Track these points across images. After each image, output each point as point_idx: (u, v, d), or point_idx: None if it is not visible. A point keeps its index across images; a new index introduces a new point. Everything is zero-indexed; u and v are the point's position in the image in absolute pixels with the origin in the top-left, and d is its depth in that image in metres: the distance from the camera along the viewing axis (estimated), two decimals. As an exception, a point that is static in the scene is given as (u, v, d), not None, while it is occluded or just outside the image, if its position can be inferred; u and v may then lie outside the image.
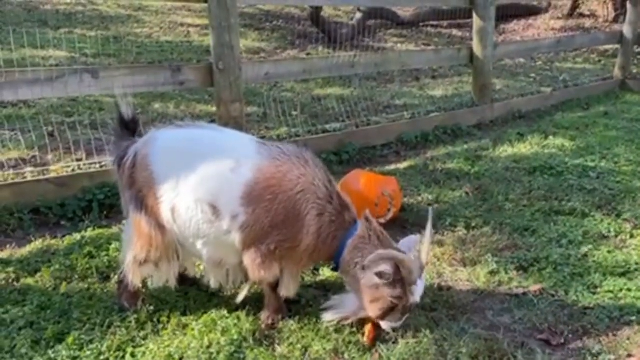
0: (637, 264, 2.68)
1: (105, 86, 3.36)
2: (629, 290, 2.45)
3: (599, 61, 8.78)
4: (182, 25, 9.19)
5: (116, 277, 2.40)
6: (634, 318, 2.25)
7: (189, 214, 2.05)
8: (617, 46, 7.22)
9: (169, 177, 2.07)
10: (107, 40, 7.38)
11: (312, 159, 2.13)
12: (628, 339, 2.14)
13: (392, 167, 4.17)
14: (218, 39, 3.58)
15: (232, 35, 3.59)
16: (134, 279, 2.19)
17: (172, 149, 2.13)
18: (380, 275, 1.97)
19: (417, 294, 2.04)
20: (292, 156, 2.10)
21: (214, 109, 4.08)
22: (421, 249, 2.09)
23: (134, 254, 2.16)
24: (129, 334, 2.12)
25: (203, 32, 8.57)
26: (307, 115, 5.04)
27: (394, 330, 2.11)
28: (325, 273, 2.58)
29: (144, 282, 2.30)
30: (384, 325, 2.09)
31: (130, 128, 2.27)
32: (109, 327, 2.16)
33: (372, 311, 2.07)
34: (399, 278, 1.98)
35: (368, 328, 2.12)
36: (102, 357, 2.00)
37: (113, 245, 2.77)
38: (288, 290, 2.16)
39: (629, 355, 2.04)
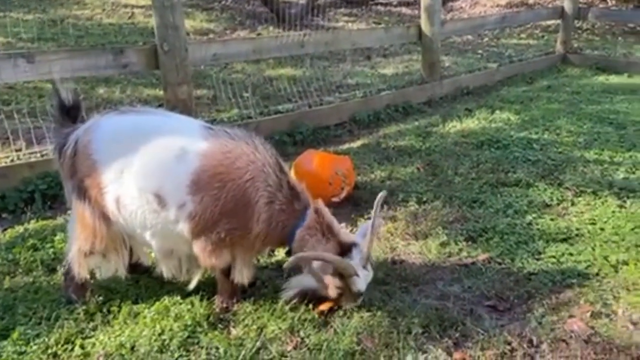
0: (577, 229, 2.81)
1: (43, 71, 3.21)
2: (571, 254, 2.58)
3: (542, 36, 9.05)
4: (125, 6, 8.85)
5: (62, 269, 2.32)
6: (574, 281, 2.37)
7: (134, 205, 2.00)
8: (559, 21, 7.45)
9: (112, 166, 2.00)
10: (44, 24, 7.02)
11: (261, 144, 2.09)
12: (569, 300, 2.25)
13: (346, 146, 4.19)
14: (161, 19, 3.47)
15: (175, 14, 3.48)
16: (80, 270, 2.12)
17: (115, 136, 2.05)
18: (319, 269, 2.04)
19: (360, 283, 2.05)
20: (241, 142, 2.05)
21: (162, 92, 3.96)
22: (363, 242, 2.08)
23: (78, 246, 2.10)
24: (78, 326, 2.07)
25: (148, 13, 8.27)
26: (258, 97, 4.98)
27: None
28: (281, 253, 2.58)
29: (92, 273, 2.24)
30: (344, 305, 2.13)
31: (71, 114, 2.17)
32: (56, 320, 2.09)
33: (328, 293, 2.10)
34: (338, 272, 2.03)
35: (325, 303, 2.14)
36: (49, 351, 1.94)
37: (58, 237, 2.67)
38: (242, 276, 2.13)
39: (571, 316, 2.15)
